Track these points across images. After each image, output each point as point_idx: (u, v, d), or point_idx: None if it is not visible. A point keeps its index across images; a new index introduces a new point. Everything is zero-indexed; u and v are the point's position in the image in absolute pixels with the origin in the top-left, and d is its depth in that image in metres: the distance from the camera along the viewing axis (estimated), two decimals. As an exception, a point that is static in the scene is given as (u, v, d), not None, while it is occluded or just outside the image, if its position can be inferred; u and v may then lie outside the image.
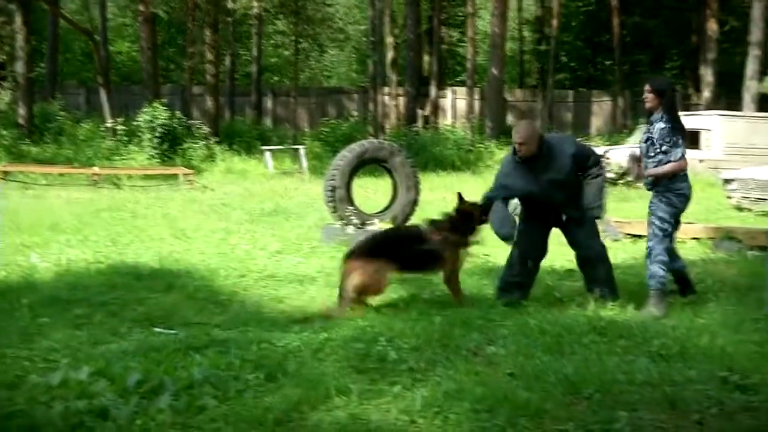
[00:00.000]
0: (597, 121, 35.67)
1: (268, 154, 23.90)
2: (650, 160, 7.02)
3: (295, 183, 20.62)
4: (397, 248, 6.92)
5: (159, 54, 33.83)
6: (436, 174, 23.08)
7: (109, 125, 25.31)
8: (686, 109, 31.94)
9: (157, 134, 22.49)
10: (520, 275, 7.15)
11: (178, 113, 24.14)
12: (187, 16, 28.45)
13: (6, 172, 18.84)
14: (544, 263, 7.55)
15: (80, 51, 42.34)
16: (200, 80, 34.02)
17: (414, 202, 10.88)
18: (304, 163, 23.76)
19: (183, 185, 18.98)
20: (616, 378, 4.70)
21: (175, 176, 20.07)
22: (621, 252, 9.93)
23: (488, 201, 7.01)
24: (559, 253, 9.87)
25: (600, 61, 41.60)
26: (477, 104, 33.16)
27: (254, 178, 21.73)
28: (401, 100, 34.03)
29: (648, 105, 7.01)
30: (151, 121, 22.49)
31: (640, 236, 10.96)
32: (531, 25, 44.71)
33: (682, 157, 6.92)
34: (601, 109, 36.03)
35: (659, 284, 6.86)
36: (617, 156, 20.28)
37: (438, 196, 16.99)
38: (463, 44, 41.19)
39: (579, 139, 8.29)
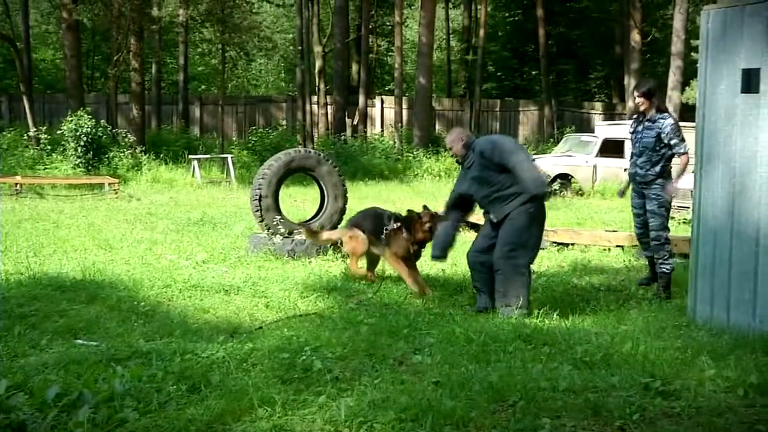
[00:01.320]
0: (524, 131, 36.13)
1: (195, 163, 23.64)
2: (655, 153, 8.20)
3: (222, 192, 20.45)
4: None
5: (83, 62, 33.28)
6: (365, 183, 23.13)
7: (32, 134, 24.76)
8: (611, 118, 32.66)
9: (81, 143, 22.03)
10: (475, 281, 7.35)
11: (103, 122, 23.67)
12: (112, 23, 27.90)
13: None
14: (467, 270, 7.59)
15: (2, 58, 41.39)
16: (126, 89, 33.50)
17: (342, 211, 10.86)
18: (232, 172, 23.59)
19: (108, 195, 18.65)
20: (540, 385, 4.73)
21: (100, 186, 19.72)
22: (546, 260, 10.06)
23: (446, 212, 7.71)
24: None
25: (526, 71, 42.19)
26: (405, 113, 33.31)
27: (181, 188, 21.48)
28: (330, 109, 34.02)
29: (642, 108, 8.30)
30: (75, 130, 22.01)
31: (566, 245, 11.14)
32: (458, 34, 45.13)
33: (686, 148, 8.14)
34: (527, 119, 36.53)
35: (672, 267, 8.24)
36: (544, 165, 20.57)
37: (367, 204, 17.01)
38: (391, 53, 41.43)
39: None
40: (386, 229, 8.23)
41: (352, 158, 27.04)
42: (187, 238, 11.46)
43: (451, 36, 44.48)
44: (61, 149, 22.95)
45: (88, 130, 22.08)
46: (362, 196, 18.24)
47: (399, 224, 8.22)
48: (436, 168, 26.31)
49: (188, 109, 35.16)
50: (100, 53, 41.66)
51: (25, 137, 24.84)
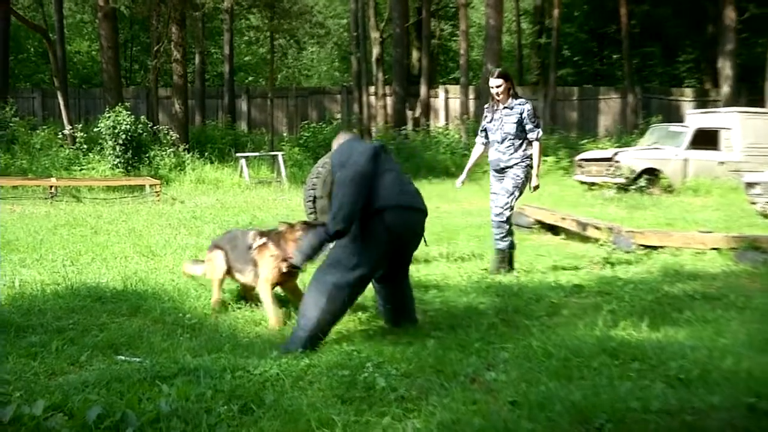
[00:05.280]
0: (605, 121, 35.81)
1: (243, 162, 23.87)
2: (516, 139, 9.53)
3: (273, 193, 20.60)
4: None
5: (121, 53, 33.81)
6: (428, 181, 23.11)
7: (67, 132, 25.26)
8: (703, 105, 32.10)
9: (120, 142, 22.40)
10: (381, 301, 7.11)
11: (143, 118, 24.04)
12: (151, 11, 28.34)
13: (-47, 186, 18.71)
14: (546, 278, 7.52)
15: (34, 51, 42.27)
16: (167, 82, 33.98)
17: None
18: (283, 171, 23.75)
19: (149, 197, 18.92)
20: (630, 405, 4.65)
21: (140, 187, 20.03)
22: (633, 266, 9.93)
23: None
24: (564, 267, 9.91)
25: (607, 55, 41.85)
26: (472, 104, 33.21)
27: (228, 189, 21.70)
28: (389, 101, 34.10)
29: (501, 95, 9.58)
30: (113, 128, 22.38)
31: (654, 247, 10.99)
32: (530, 16, 44.90)
33: None
34: (609, 108, 36.18)
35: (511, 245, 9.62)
36: (628, 159, 20.33)
37: (430, 205, 16.98)
38: (455, 38, 41.33)
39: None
40: (251, 249, 7.53)
41: (414, 154, 27.06)
42: (236, 244, 11.53)
43: (521, 17, 44.25)
44: (99, 148, 23.37)
45: (127, 127, 22.42)
46: (426, 196, 18.11)
47: (264, 239, 7.54)
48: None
49: (234, 102, 35.55)
50: (139, 44, 42.37)
51: (60, 136, 25.34)
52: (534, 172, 9.61)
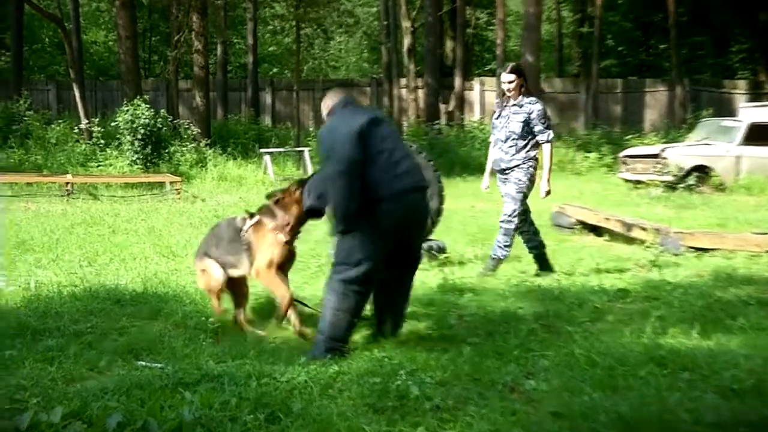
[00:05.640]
0: (651, 115, 35.57)
1: (267, 158, 23.95)
2: (521, 139, 9.46)
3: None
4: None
5: (140, 43, 34.00)
6: (463, 179, 23.10)
7: (83, 126, 25.44)
8: (757, 98, 31.83)
9: (138, 136, 22.50)
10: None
11: (162, 112, 24.15)
12: (172, -1, 28.55)
13: (-35, 183, 18.89)
14: (589, 282, 7.49)
15: (49, 41, 42.62)
16: (187, 73, 34.19)
17: (438, 212, 10.83)
18: (309, 167, 23.80)
19: (169, 195, 19.04)
20: (680, 417, 4.64)
21: (160, 185, 20.14)
22: (683, 269, 9.87)
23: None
24: (608, 270, 9.88)
25: (653, 45, 41.60)
26: (509, 97, 33.10)
27: (252, 186, 21.77)
28: (420, 93, 34.08)
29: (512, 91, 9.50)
30: (131, 122, 22.49)
31: (705, 250, 10.92)
32: (571, 3, 44.72)
33: None
34: (655, 101, 35.94)
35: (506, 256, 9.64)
36: (676, 156, 20.21)
37: (465, 204, 16.98)
38: (492, 27, 41.24)
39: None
40: (243, 234, 7.14)
41: (447, 150, 27.06)
42: (260, 245, 11.58)
43: (562, 5, 44.11)
44: (116, 143, 23.51)
45: (146, 121, 22.52)
46: (459, 194, 18.20)
47: (257, 217, 7.15)
48: (546, 159, 26.02)
49: (258, 95, 35.67)
50: (159, 33, 42.63)
51: (76, 130, 25.50)
52: (545, 176, 9.56)
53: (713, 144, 21.07)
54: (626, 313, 7.48)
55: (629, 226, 12.05)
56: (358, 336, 6.66)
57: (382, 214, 6.20)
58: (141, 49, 36.79)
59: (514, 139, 9.44)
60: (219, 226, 7.63)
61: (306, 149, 25.00)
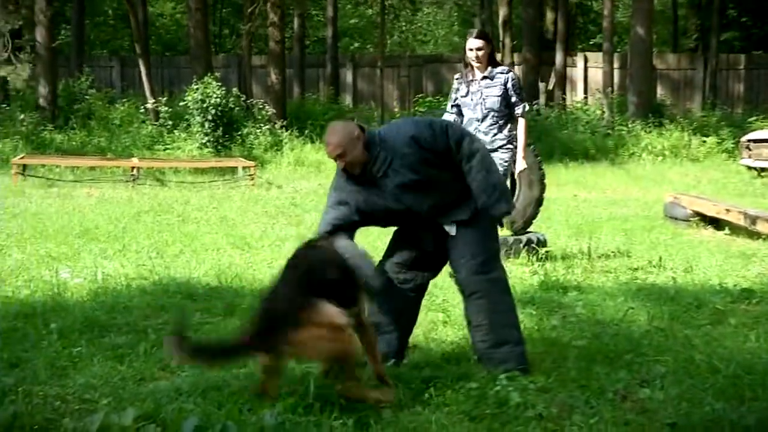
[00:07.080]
0: (778, 95, 34.91)
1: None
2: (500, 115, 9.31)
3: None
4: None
5: (210, 16, 34.30)
6: (564, 165, 22.95)
7: (149, 106, 25.79)
8: None
9: (209, 117, 22.73)
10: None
11: (234, 90, 24.34)
12: (245, -33, 28.76)
13: (25, 166, 19.30)
14: (709, 280, 7.41)
15: (112, 14, 43.27)
16: (261, 48, 34.46)
17: (538, 202, 10.81)
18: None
19: (243, 181, 19.22)
20: (815, 432, 4.60)
21: (232, 170, 20.33)
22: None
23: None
24: (730, 267, 9.76)
25: (781, 15, 40.74)
26: (617, 74, 32.76)
27: (331, 172, 21.61)
28: (517, 70, 33.90)
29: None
30: (201, 101, 22.73)
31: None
32: (688, -31, 44.11)
33: None
34: (783, 79, 35.26)
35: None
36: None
37: (567, 193, 16.89)
38: (598, -4, 40.85)
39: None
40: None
41: (547, 133, 26.88)
42: (342, 235, 11.65)
43: (677, -29, 43.51)
44: (185, 125, 23.80)
45: (217, 100, 22.76)
46: (561, 183, 18.14)
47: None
48: (658, 145, 25.80)
49: (338, 72, 35.77)
50: (230, 5, 42.97)
51: (141, 110, 25.88)
52: (520, 153, 9.46)
53: None
54: (751, 316, 7.39)
55: (753, 219, 11.85)
56: (451, 336, 6.68)
57: None
58: (211, 23, 37.16)
59: (494, 117, 9.23)
60: (315, 258, 5.72)
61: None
